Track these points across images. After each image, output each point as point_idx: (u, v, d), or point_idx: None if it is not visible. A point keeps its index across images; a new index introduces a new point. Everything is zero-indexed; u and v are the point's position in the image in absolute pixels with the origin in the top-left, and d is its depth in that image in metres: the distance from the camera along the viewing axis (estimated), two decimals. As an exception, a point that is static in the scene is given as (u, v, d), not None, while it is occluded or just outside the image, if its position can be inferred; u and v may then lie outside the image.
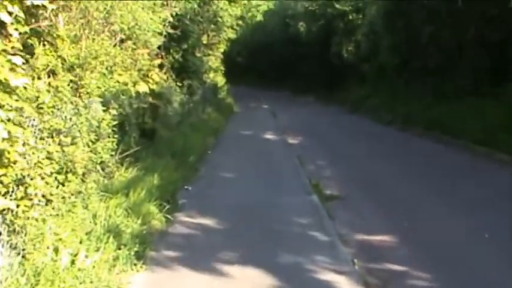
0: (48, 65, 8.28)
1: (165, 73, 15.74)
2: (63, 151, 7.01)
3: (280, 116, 29.82)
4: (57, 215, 6.58)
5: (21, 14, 5.37)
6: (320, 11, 41.27)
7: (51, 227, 6.19)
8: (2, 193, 5.44)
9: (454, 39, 21.06)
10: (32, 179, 6.24)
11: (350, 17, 37.78)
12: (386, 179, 13.09)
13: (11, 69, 5.10)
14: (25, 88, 6.01)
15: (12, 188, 5.58)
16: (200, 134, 17.60)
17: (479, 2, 18.75)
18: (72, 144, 7.39)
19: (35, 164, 6.06)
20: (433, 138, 19.56)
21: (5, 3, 5.09)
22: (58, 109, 7.28)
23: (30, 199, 5.95)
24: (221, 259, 7.18)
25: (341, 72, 38.95)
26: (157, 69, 13.40)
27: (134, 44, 13.36)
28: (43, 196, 6.49)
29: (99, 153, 8.39)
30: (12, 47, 5.19)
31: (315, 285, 6.46)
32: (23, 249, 5.62)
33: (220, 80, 33.78)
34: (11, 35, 5.34)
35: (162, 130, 12.92)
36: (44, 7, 7.66)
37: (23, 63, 5.34)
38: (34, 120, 6.48)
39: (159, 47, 15.75)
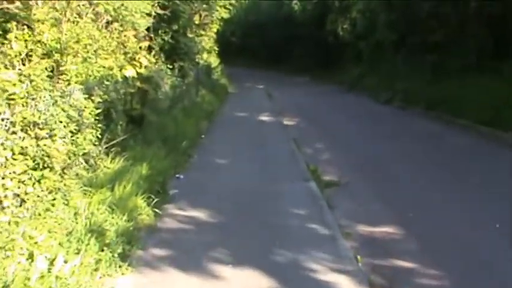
0: (21, 52, 7.63)
1: (154, 56, 15.06)
2: (39, 145, 6.42)
3: (276, 97, 29.18)
4: (33, 216, 6.05)
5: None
6: (314, -12, 40.61)
7: (25, 230, 5.64)
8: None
9: (454, 13, 20.38)
10: (3, 178, 5.71)
11: (345, -6, 37.10)
12: (387, 163, 12.54)
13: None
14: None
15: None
16: (193, 118, 17.00)
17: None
18: (50, 136, 6.82)
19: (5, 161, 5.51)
20: (434, 117, 18.99)
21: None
22: (33, 99, 6.68)
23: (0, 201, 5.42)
24: (214, 258, 6.63)
25: (337, 51, 38.31)
26: (145, 52, 12.73)
27: (121, 26, 12.70)
28: (17, 196, 5.98)
29: (81, 144, 7.78)
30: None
31: (314, 287, 5.92)
32: (-9, 259, 5.06)
33: (214, 60, 33.05)
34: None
35: (152, 115, 12.29)
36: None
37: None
38: (5, 113, 5.93)
39: (148, 29, 15.09)
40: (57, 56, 8.60)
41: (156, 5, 15.74)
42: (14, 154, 5.90)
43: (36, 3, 9.40)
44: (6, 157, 5.52)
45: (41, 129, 6.59)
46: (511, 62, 16.87)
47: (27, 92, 6.55)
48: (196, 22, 23.92)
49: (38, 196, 6.21)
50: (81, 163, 8.06)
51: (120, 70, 11.13)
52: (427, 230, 7.85)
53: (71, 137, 7.49)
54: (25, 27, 8.91)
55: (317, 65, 41.31)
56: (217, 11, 27.83)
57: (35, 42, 8.89)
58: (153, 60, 13.90)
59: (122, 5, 12.47)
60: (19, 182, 5.98)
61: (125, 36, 12.32)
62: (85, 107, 8.31)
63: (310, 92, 31.38)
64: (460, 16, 20.50)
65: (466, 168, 11.65)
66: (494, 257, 6.80)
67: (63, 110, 6.98)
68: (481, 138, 15.07)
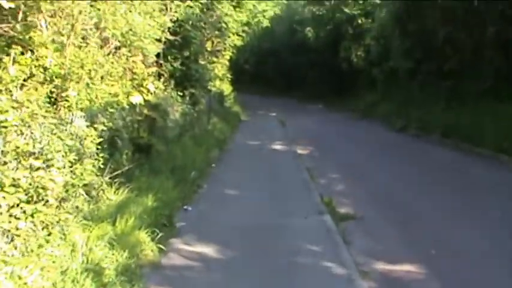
0: (19, 77, 7.21)
1: (163, 82, 14.68)
2: (33, 176, 5.95)
3: (289, 124, 28.66)
4: (25, 253, 5.57)
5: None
6: (328, 15, 40.23)
7: (14, 269, 5.16)
8: None
9: (469, 39, 19.88)
10: (-10, 213, 5.26)
11: (359, 21, 36.71)
12: (405, 195, 11.96)
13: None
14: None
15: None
16: (204, 146, 16.55)
17: (497, 1, 17.70)
18: (48, 167, 6.36)
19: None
20: (451, 146, 18.45)
21: None
22: (28, 127, 6.24)
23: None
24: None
25: (350, 78, 37.91)
26: (153, 79, 12.33)
27: (129, 51, 12.32)
28: (8, 231, 5.52)
29: (81, 175, 7.32)
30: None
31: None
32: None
33: (227, 88, 32.73)
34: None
35: (160, 144, 11.83)
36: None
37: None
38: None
39: (158, 55, 14.73)
40: (57, 82, 8.18)
41: (166, 30, 15.38)
42: (3, 186, 5.45)
43: (40, 27, 9.08)
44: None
45: (36, 159, 6.13)
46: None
47: (22, 120, 6.10)
48: (209, 49, 23.55)
49: (31, 231, 5.74)
50: (82, 195, 7.60)
51: (127, 97, 10.72)
52: (452, 270, 7.26)
53: (70, 167, 7.04)
54: (29, 51, 8.58)
55: (330, 91, 40.88)
56: (229, 37, 27.48)
57: (37, 67, 8.54)
58: (162, 86, 13.48)
59: (130, 29, 12.10)
60: (10, 216, 5.52)
61: (133, 61, 11.93)
62: (87, 136, 7.88)
63: (324, 119, 30.89)
64: (476, 43, 19.99)
65: (489, 201, 11.01)
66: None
67: (60, 138, 6.49)
68: (502, 167, 14.46)
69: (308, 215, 10.01)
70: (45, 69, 8.67)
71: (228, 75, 32.70)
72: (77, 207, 7.31)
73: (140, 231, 7.72)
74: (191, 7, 18.14)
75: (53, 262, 5.82)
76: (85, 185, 7.67)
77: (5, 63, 7.26)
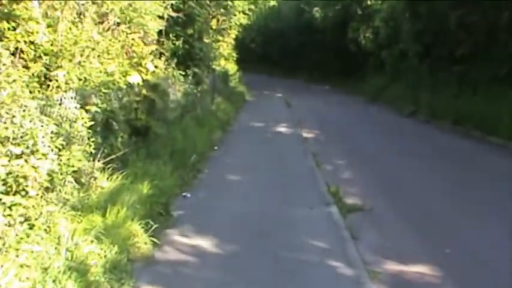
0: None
1: (165, 61, 14.06)
2: (12, 165, 5.40)
3: (295, 106, 28.00)
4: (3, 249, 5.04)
5: None
6: (336, -5, 39.41)
7: (-14, 269, 4.63)
8: None
9: (485, 23, 19.12)
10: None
11: (368, 2, 35.83)
12: (416, 185, 11.36)
13: None
14: None
15: None
16: (206, 128, 15.99)
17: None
18: (31, 153, 5.79)
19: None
20: (463, 133, 17.78)
21: None
22: (9, 110, 5.66)
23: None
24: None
25: (358, 60, 37.10)
26: (152, 57, 11.71)
27: (129, 28, 11.70)
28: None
29: (68, 161, 6.76)
30: None
31: None
32: None
33: (232, 67, 32.09)
34: None
35: (158, 127, 11.23)
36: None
37: None
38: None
39: (160, 32, 14.10)
40: (46, 60, 7.60)
41: (169, 7, 14.74)
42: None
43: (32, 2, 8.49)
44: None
45: (16, 145, 5.57)
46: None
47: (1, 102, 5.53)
48: (214, 27, 22.88)
49: (10, 225, 5.21)
50: (70, 182, 7.04)
51: (124, 76, 10.11)
52: (469, 272, 6.69)
53: (58, 153, 6.48)
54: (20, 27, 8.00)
55: (338, 73, 40.18)
56: (235, 15, 26.80)
57: (27, 43, 7.96)
58: (162, 66, 12.86)
59: (130, 5, 11.49)
60: (-16, 209, 4.99)
61: (132, 39, 11.31)
62: (77, 118, 7.31)
63: (330, 101, 30.18)
64: (489, 26, 19.22)
65: (508, 194, 10.39)
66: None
67: (43, 122, 5.91)
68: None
69: (313, 205, 9.45)
70: (36, 45, 8.10)
71: (234, 55, 32.11)
72: (65, 194, 6.80)
73: (133, 222, 7.16)
74: (196, -17, 17.53)
75: (34, 259, 5.29)
76: (74, 171, 7.13)
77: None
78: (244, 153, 14.85)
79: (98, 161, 8.16)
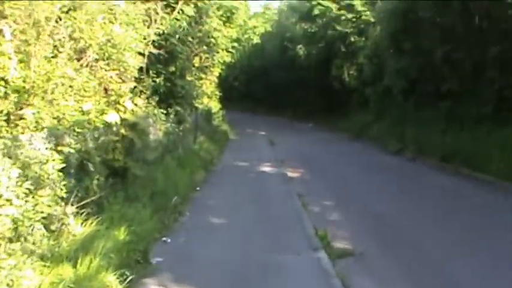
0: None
1: (147, 98, 13.60)
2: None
3: (279, 144, 27.59)
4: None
5: None
6: (320, 33, 39.23)
7: None
8: None
9: (471, 60, 18.93)
10: None
11: (352, 39, 35.77)
12: (407, 227, 10.86)
13: None
14: None
15: None
16: (188, 168, 15.48)
17: (500, 21, 16.81)
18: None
19: None
20: (451, 171, 17.37)
21: None
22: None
23: None
24: None
25: (342, 97, 36.96)
26: (131, 95, 11.24)
27: (108, 65, 11.25)
28: None
29: (36, 207, 6.23)
30: None
31: None
32: None
33: (215, 105, 31.72)
34: None
35: (137, 168, 10.72)
36: None
37: None
38: None
39: (141, 69, 13.65)
40: (14, 97, 7.11)
41: (150, 44, 14.35)
42: None
43: (3, 36, 8.05)
44: None
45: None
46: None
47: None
48: (196, 65, 22.49)
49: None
50: (39, 230, 6.50)
51: (101, 115, 9.63)
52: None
53: (25, 198, 5.96)
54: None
55: (321, 110, 40.06)
56: (218, 53, 26.47)
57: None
58: (141, 104, 12.38)
59: (109, 41, 11.04)
60: None
61: (110, 76, 10.84)
62: (47, 160, 6.79)
63: (315, 139, 29.82)
64: (475, 62, 19.02)
65: (501, 236, 9.90)
66: None
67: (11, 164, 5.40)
68: (509, 195, 13.40)
69: (301, 251, 8.93)
70: (6, 81, 7.63)
71: (217, 93, 31.76)
72: (33, 243, 6.25)
73: (107, 272, 6.62)
74: (178, 20, 17.16)
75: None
76: (44, 218, 6.59)
77: None
78: (227, 194, 14.33)
79: (72, 205, 7.65)
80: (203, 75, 24.91)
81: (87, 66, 10.52)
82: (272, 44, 50.65)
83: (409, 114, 24.26)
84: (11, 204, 5.44)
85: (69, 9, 9.99)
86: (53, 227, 6.90)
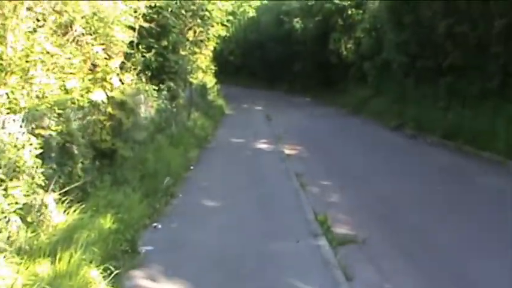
0: None
1: (137, 74, 12.95)
2: None
3: (275, 120, 26.91)
4: None
5: None
6: (317, 6, 38.38)
7: None
8: None
9: (474, 34, 18.23)
10: None
11: (349, 12, 35.01)
12: (412, 210, 10.31)
13: None
14: None
15: None
16: (182, 146, 14.92)
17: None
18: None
19: None
20: (454, 148, 16.82)
21: None
22: None
23: None
24: None
25: (340, 71, 36.17)
26: (118, 71, 10.60)
27: (95, 40, 10.59)
28: None
29: (8, 196, 5.67)
30: None
31: None
32: None
33: (210, 80, 30.99)
34: None
35: (126, 149, 10.13)
36: None
37: None
38: None
39: (131, 44, 12.99)
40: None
41: (140, 17, 13.66)
42: None
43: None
44: None
45: None
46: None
47: None
48: (190, 39, 21.77)
49: None
50: (15, 221, 5.95)
51: (86, 93, 9.02)
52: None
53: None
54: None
55: (318, 85, 39.34)
56: (213, 27, 25.71)
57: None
58: (129, 80, 11.73)
59: (95, 14, 10.39)
60: None
61: (96, 52, 10.19)
62: (23, 144, 6.21)
63: (312, 114, 29.19)
64: (479, 36, 18.32)
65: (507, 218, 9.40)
66: None
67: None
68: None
69: (300, 237, 8.39)
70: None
71: (212, 67, 30.99)
72: (8, 238, 5.72)
73: (90, 267, 6.07)
74: (171, -8, 16.48)
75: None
76: (20, 208, 6.03)
77: None
78: (222, 174, 13.77)
79: (54, 191, 7.09)
80: (197, 50, 24.20)
81: (73, 41, 9.91)
82: (268, 18, 49.71)
83: (409, 89, 23.65)
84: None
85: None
86: (30, 219, 6.33)
